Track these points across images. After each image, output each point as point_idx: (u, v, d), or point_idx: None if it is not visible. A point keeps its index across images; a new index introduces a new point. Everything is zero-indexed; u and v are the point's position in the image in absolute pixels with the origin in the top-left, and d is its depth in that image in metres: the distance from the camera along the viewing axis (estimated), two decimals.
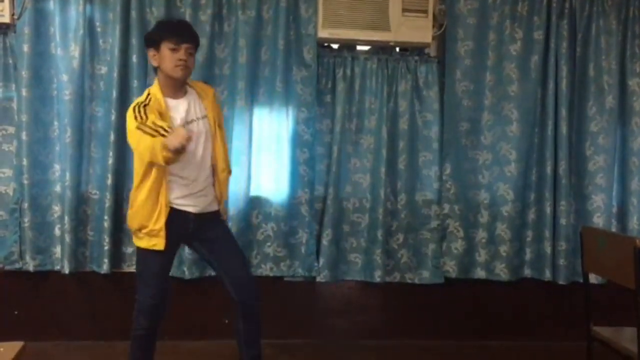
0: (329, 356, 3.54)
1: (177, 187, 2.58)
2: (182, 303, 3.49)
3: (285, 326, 3.69)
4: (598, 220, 3.77)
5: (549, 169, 3.73)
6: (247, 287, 2.69)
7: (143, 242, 2.60)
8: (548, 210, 3.73)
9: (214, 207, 2.72)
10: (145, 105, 2.45)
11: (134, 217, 2.60)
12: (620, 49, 3.77)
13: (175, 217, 2.57)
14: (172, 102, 2.56)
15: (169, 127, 2.36)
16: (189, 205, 2.61)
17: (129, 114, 2.46)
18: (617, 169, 3.83)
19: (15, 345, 1.97)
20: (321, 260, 3.63)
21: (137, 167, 2.56)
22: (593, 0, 3.75)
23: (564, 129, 3.70)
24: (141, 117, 2.39)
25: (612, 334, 2.47)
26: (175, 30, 2.52)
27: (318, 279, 3.64)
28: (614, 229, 3.83)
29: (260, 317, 2.73)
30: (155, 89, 2.55)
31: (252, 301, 2.69)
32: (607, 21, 3.75)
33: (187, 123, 2.56)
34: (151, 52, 2.54)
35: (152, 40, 2.53)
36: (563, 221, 3.71)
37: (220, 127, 2.71)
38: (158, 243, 2.55)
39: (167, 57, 2.48)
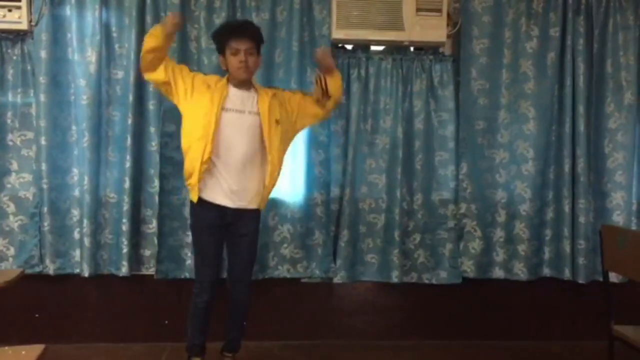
0: (346, 357, 3.53)
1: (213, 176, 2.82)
2: None
3: (303, 327, 3.70)
4: (618, 218, 3.72)
5: (567, 167, 3.69)
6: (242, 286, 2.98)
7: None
8: (567, 208, 3.69)
9: (252, 206, 2.89)
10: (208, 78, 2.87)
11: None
12: (638, 44, 3.72)
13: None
14: (234, 90, 2.82)
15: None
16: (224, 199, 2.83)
17: None
18: (637, 166, 3.78)
19: (37, 349, 2.00)
20: (338, 262, 3.63)
21: None
22: None
23: (581, 126, 3.66)
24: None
25: (633, 332, 2.44)
26: (233, 35, 2.74)
27: (335, 280, 3.63)
28: (634, 227, 3.78)
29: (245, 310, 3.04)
30: (224, 79, 2.85)
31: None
32: (624, 17, 3.71)
33: (234, 110, 2.79)
34: (221, 58, 2.84)
35: (218, 47, 2.84)
36: (582, 219, 3.68)
37: (279, 123, 2.84)
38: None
39: (230, 61, 2.76)
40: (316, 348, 3.61)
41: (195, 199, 2.81)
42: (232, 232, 2.92)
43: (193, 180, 2.79)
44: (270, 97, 2.86)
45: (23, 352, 1.85)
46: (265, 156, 2.84)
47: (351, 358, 3.53)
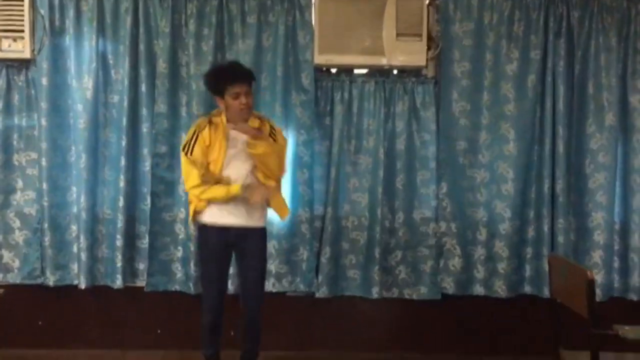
0: None
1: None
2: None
3: (288, 339, 3.86)
4: (599, 238, 3.77)
5: (546, 187, 3.75)
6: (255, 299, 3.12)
7: None
8: (546, 228, 3.76)
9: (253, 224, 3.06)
10: (197, 135, 2.96)
11: None
12: (622, 65, 3.76)
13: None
14: (231, 131, 2.97)
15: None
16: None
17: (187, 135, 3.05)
18: (619, 186, 3.82)
19: None
20: (320, 277, 3.79)
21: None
22: (592, 18, 3.75)
23: (561, 147, 3.72)
24: (190, 149, 2.96)
25: (577, 358, 2.52)
26: (233, 82, 2.88)
27: (317, 295, 3.78)
28: (616, 246, 3.84)
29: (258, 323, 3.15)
30: (223, 117, 2.99)
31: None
32: (607, 38, 3.74)
33: (233, 148, 2.97)
34: (218, 99, 2.99)
35: (216, 91, 2.97)
36: (561, 239, 3.74)
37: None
38: None
39: (232, 104, 2.90)
40: (300, 359, 3.77)
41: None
42: (239, 250, 3.11)
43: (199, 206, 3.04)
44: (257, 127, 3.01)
45: None
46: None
47: None
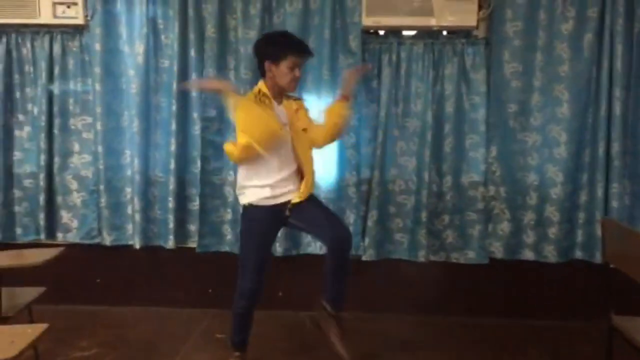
0: (375, 327, 3.71)
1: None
2: None
3: None
4: None
5: (601, 151, 3.65)
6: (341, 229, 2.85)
7: None
8: (599, 192, 3.67)
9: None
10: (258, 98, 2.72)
11: None
12: None
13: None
14: (275, 104, 2.77)
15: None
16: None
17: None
18: None
19: (40, 327, 1.91)
20: (366, 240, 3.81)
21: None
22: None
23: (617, 109, 3.60)
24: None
25: (630, 323, 2.48)
26: (297, 53, 2.72)
27: (363, 258, 3.82)
28: None
29: (348, 256, 2.91)
30: (264, 89, 2.75)
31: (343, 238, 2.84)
32: None
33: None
34: (268, 63, 2.73)
35: (273, 55, 2.71)
36: (615, 203, 3.64)
37: (306, 131, 2.85)
38: None
39: (285, 73, 2.71)
40: (347, 319, 3.82)
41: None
42: (293, 215, 2.85)
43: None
44: (295, 107, 2.86)
45: (29, 330, 1.97)
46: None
47: (379, 328, 3.71)
